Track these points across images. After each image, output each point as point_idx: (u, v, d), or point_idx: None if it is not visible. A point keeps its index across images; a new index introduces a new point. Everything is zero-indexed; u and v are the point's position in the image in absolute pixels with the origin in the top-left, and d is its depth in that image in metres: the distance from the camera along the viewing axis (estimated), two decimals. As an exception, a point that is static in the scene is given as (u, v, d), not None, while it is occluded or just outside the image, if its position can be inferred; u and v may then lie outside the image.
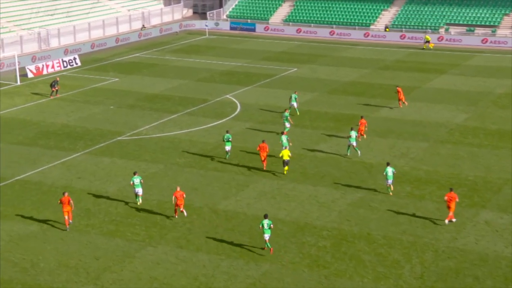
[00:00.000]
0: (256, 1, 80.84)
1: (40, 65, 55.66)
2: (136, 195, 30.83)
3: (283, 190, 32.75)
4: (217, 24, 77.38)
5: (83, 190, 32.45)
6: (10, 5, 67.25)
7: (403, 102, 45.85)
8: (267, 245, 26.82)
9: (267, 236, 26.62)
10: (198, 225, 29.15)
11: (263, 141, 35.65)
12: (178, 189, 29.59)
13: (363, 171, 34.99)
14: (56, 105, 46.49)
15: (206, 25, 74.64)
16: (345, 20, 75.17)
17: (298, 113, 43.68)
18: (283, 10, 79.06)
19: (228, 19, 79.11)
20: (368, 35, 71.10)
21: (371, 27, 73.45)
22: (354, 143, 36.48)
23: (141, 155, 37.15)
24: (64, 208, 28.52)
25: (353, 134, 36.49)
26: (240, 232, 28.49)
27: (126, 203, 31.15)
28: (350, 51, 65.31)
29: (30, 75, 54.32)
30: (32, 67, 55.00)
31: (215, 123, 42.61)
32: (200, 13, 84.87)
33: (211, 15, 78.99)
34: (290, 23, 76.62)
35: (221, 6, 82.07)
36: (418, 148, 38.35)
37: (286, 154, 34.54)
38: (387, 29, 70.90)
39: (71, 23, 68.39)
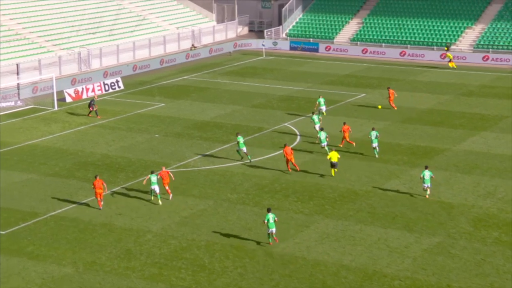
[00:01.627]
0: (320, 18, 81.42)
1: (79, 88, 57.26)
2: (152, 191, 35.25)
3: (348, 232, 32.51)
4: (275, 43, 78.15)
5: (123, 228, 33.00)
6: (48, 23, 69.69)
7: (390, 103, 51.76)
8: (271, 238, 30.50)
9: (273, 230, 30.34)
10: (251, 270, 29.17)
11: (285, 145, 39.64)
12: (164, 168, 35.95)
13: (442, 212, 34.41)
14: (96, 133, 47.67)
15: (263, 45, 75.51)
16: (421, 40, 74.78)
17: (324, 114, 49.24)
18: (350, 28, 79.31)
19: (288, 38, 79.84)
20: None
21: (452, 47, 72.77)
22: (325, 144, 41.44)
23: (189, 189, 37.58)
24: (97, 191, 34.17)
25: (323, 135, 41.54)
26: (299, 279, 28.35)
27: (171, 243, 31.49)
28: (426, 75, 64.78)
29: (68, 99, 55.92)
30: (71, 91, 56.63)
31: (272, 155, 42.77)
32: (257, 32, 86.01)
33: (268, 33, 79.92)
34: (358, 42, 76.72)
35: (280, 23, 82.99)
36: (508, 186, 37.49)
37: (335, 156, 38.15)
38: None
39: (114, 42, 70.32)
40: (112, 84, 59.73)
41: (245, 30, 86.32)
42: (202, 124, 49.69)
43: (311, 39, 78.57)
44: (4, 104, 53.63)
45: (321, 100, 49.86)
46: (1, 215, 34.28)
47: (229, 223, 33.49)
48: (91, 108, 50.73)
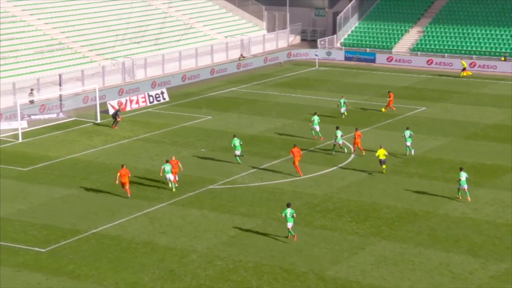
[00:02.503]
0: (377, 27, 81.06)
1: (123, 100, 58.12)
2: (169, 180, 39.36)
3: (406, 255, 32.14)
4: (329, 53, 78.06)
5: (167, 247, 33.24)
6: (92, 32, 70.95)
7: (389, 107, 55.01)
8: (291, 233, 33.20)
9: (290, 224, 33.06)
10: (302, 294, 29.04)
11: (294, 146, 42.17)
12: (173, 158, 40.42)
13: (510, 236, 33.72)
14: (140, 147, 48.23)
15: (316, 55, 75.52)
16: (488, 49, 73.75)
17: (346, 114, 53.71)
18: (410, 37, 78.74)
19: (343, 47, 79.66)
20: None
21: (521, 57, 71.58)
22: (341, 142, 45.12)
23: (236, 207, 37.70)
24: (122, 180, 38.44)
25: (339, 133, 45.06)
26: (353, 306, 28.09)
27: (217, 264, 31.58)
28: (493, 87, 63.80)
29: (111, 111, 56.73)
30: (114, 103, 57.47)
31: (324, 171, 42.63)
32: (310, 41, 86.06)
33: (322, 42, 79.90)
34: (419, 52, 76.09)
35: (334, 32, 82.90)
36: None
37: (382, 153, 41.60)
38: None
39: (160, 51, 71.22)
40: (157, 96, 60.42)
41: (297, 39, 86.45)
42: (251, 138, 49.83)
43: (367, 49, 78.21)
44: (46, 116, 54.76)
45: (342, 101, 53.85)
46: (41, 232, 34.92)
47: (279, 243, 33.43)
48: (119, 119, 51.89)
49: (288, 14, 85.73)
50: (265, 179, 41.75)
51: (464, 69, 67.46)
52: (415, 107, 57.23)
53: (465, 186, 37.34)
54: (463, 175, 37.35)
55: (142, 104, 58.89)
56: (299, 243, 33.42)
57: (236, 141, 43.58)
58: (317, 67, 73.79)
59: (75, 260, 32.07)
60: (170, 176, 39.43)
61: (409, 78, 68.16)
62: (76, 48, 67.89)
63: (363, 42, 79.59)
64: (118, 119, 52.48)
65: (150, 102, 59.65)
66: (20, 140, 49.57)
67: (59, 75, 59.13)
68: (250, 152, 46.75)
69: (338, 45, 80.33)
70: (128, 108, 57.82)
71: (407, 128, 45.12)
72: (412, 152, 44.52)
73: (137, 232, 34.80)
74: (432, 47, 76.02)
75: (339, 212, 36.91)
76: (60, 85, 58.28)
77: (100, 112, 55.13)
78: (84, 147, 48.15)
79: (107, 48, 69.28)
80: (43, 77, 60.39)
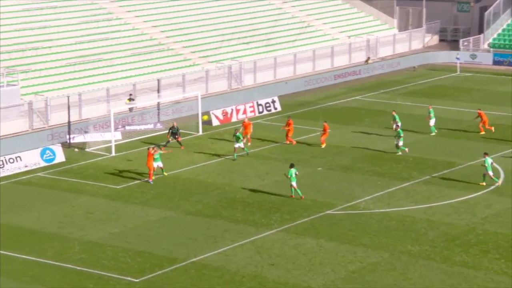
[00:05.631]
0: (533, 23, 79.08)
1: (228, 109, 58.98)
2: (158, 167, 45.62)
3: None
4: (473, 56, 76.78)
5: (277, 281, 33.43)
6: (195, 31, 72.42)
7: (484, 127, 52.72)
8: (297, 192, 41.46)
9: (294, 183, 41.34)
10: None
11: (289, 117, 51.86)
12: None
13: None
14: (246, 164, 48.80)
15: (458, 58, 74.45)
16: None
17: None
18: None
19: (491, 49, 78.20)
20: None
21: None
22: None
23: (358, 237, 37.53)
24: (149, 162, 45.00)
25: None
26: None
27: (335, 304, 31.54)
28: None
29: (215, 122, 57.73)
30: (218, 112, 58.42)
31: (466, 197, 41.85)
32: (450, 41, 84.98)
33: (465, 43, 78.70)
34: None
35: (480, 31, 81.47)
36: None
37: None
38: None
39: (271, 53, 71.94)
40: (267, 105, 61.01)
41: (434, 39, 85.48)
42: (376, 156, 49.52)
43: (521, 51, 76.53)
44: (142, 127, 56.09)
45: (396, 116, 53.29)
46: (134, 259, 35.84)
47: (409, 282, 33.05)
48: (173, 138, 51.00)
49: (424, 10, 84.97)
50: (393, 205, 41.37)
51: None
52: None
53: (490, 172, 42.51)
54: (489, 161, 42.52)
55: (250, 115, 59.57)
56: (435, 282, 32.92)
57: (241, 135, 49.31)
58: (458, 72, 72.66)
59: (172, 293, 32.76)
60: (159, 164, 45.44)
61: None
62: (177, 49, 69.55)
63: (516, 43, 77.89)
64: (178, 139, 51.23)
65: (260, 112, 60.29)
66: (113, 153, 51.15)
67: (158, 80, 60.57)
68: (375, 172, 46.46)
69: (485, 46, 78.87)
70: (234, 119, 58.65)
71: (430, 109, 53.65)
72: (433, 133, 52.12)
73: (243, 262, 35.19)
74: None
75: (483, 247, 36.13)
76: (158, 91, 59.69)
77: (203, 123, 56.16)
78: (184, 163, 49.13)
79: (211, 50, 70.60)
80: (140, 82, 62.11)
